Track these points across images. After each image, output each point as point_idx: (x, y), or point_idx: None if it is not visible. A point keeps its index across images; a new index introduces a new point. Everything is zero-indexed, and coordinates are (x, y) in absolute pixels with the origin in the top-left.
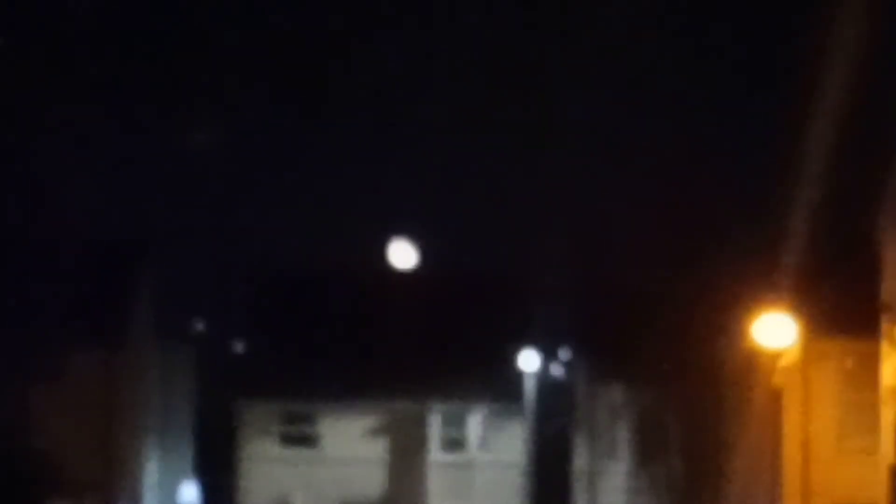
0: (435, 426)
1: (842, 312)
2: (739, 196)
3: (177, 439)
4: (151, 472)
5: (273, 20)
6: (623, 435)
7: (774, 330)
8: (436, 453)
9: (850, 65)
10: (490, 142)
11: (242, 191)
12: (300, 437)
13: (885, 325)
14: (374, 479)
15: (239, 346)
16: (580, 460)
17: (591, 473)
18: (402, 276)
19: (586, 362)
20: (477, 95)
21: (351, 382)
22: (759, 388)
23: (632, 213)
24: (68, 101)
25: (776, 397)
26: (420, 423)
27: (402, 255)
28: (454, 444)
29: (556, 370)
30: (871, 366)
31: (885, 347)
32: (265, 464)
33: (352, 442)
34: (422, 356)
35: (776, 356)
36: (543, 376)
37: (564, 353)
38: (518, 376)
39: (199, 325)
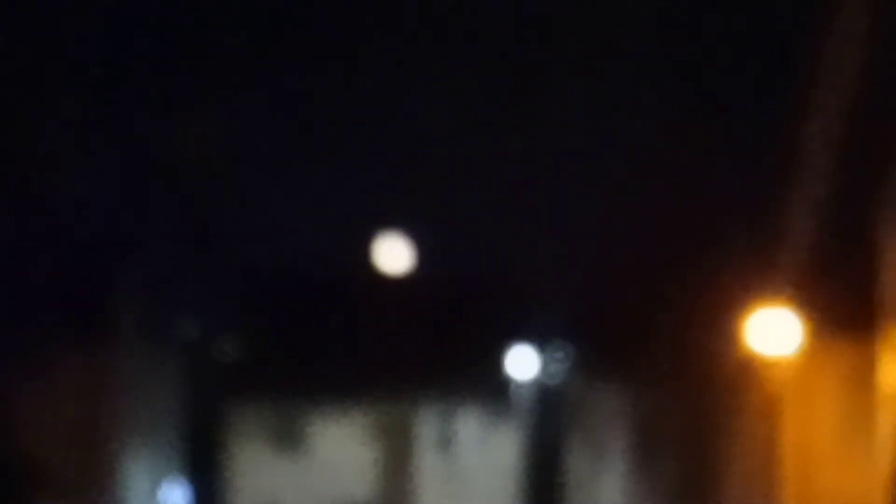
0: (427, 428)
1: (841, 314)
2: (738, 195)
3: (164, 441)
4: (138, 475)
5: (266, 16)
6: (619, 437)
7: (772, 332)
8: (428, 455)
9: (852, 62)
10: (484, 140)
11: (232, 191)
12: (290, 439)
13: (885, 327)
14: (364, 481)
15: (227, 348)
16: (574, 463)
17: (585, 476)
18: (394, 278)
19: (581, 364)
20: (473, 94)
21: (341, 384)
22: (758, 391)
23: (629, 213)
24: (50, 98)
25: (774, 400)
26: (412, 425)
27: (394, 255)
28: (447, 446)
29: (551, 372)
30: (870, 368)
31: (884, 350)
32: (254, 466)
33: (342, 444)
34: (414, 358)
35: (774, 359)
36: (537, 378)
37: (559, 355)
38: (511, 378)
39: (187, 326)
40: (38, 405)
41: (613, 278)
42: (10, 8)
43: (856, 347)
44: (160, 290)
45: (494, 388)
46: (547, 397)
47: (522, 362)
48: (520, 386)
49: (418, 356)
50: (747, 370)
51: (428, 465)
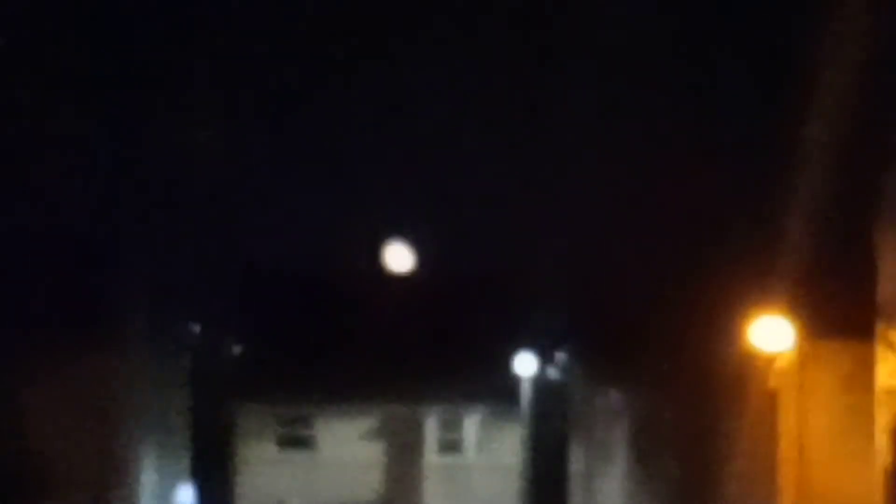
0: (431, 429)
1: (838, 315)
2: (736, 198)
3: (172, 442)
4: (147, 476)
5: (267, 18)
6: (620, 437)
7: (771, 332)
8: (432, 456)
9: (849, 65)
10: (486, 143)
11: (238, 193)
12: (297, 440)
13: (881, 328)
14: (370, 481)
15: (235, 349)
16: (577, 463)
17: (587, 476)
18: (399, 279)
19: (583, 365)
20: (473, 97)
21: (347, 385)
22: (756, 391)
23: (628, 215)
24: (59, 101)
25: (772, 400)
26: (416, 426)
27: (399, 257)
28: (451, 446)
29: (553, 373)
30: (867, 368)
31: (881, 350)
32: (261, 466)
33: (348, 444)
34: (418, 359)
35: (772, 359)
36: (540, 379)
37: (561, 356)
38: (514, 379)
39: (195, 328)
40: (47, 407)
41: (614, 281)
42: (12, 9)
43: (852, 348)
44: (168, 293)
45: (498, 388)
46: (549, 398)
47: (526, 363)
48: (523, 386)
49: (423, 358)
50: (746, 371)
51: (433, 464)
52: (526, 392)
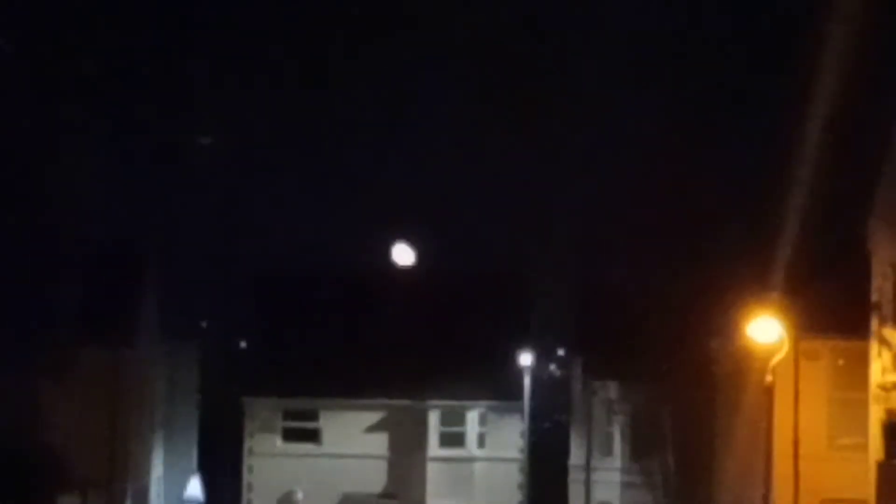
0: (434, 422)
1: (832, 312)
2: (733, 197)
3: (182, 435)
4: (157, 467)
5: (273, 22)
6: (618, 431)
7: (766, 329)
8: (435, 449)
9: (843, 68)
10: (489, 143)
11: (246, 193)
12: (303, 433)
13: (874, 325)
14: (374, 473)
15: (243, 345)
16: (576, 456)
17: (586, 469)
18: (402, 276)
19: (582, 360)
20: (475, 97)
21: (352, 380)
22: (751, 386)
23: (627, 214)
24: (73, 104)
25: (767, 395)
26: (419, 420)
27: (403, 257)
28: (452, 440)
29: (553, 368)
30: (860, 364)
31: (873, 346)
32: (268, 459)
33: (353, 438)
34: (421, 355)
35: (768, 354)
36: (540, 373)
37: (561, 351)
38: (515, 374)
39: (204, 324)
40: (60, 404)
41: (613, 279)
42: (15, 9)
43: (847, 345)
44: (179, 292)
45: (500, 383)
46: (549, 392)
47: (528, 359)
48: (524, 382)
49: (426, 354)
50: (741, 368)
51: (436, 458)
52: (526, 386)
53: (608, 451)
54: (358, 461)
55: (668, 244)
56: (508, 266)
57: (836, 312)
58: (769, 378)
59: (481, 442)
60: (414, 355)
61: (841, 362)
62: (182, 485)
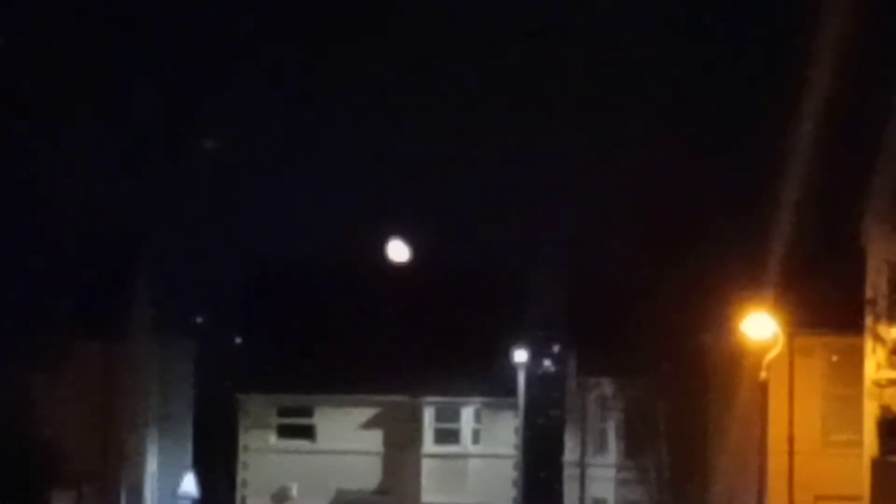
0: (428, 419)
1: (826, 308)
2: (727, 193)
3: (176, 431)
4: (152, 463)
5: (269, 16)
6: (612, 427)
7: (760, 325)
8: (429, 445)
9: (837, 65)
10: (484, 140)
11: (241, 187)
12: (297, 430)
13: (868, 321)
14: (369, 470)
15: (237, 340)
16: (570, 452)
17: (581, 465)
18: (397, 272)
19: (576, 356)
20: (470, 93)
21: (347, 376)
22: (746, 382)
23: (621, 209)
24: (66, 98)
25: (762, 391)
26: (414, 416)
27: (397, 253)
28: (447, 436)
29: (547, 364)
30: (854, 360)
31: (868, 343)
32: (263, 455)
33: (347, 434)
34: (416, 351)
35: (762, 351)
36: (534, 370)
37: (555, 347)
38: (509, 370)
39: (199, 319)
40: (54, 399)
41: (608, 276)
42: (15, 9)
43: (841, 341)
44: (174, 287)
45: (494, 380)
46: (544, 388)
47: (522, 355)
48: (518, 378)
49: (421, 350)
50: (735, 363)
51: (430, 454)
52: (521, 382)
53: (603, 448)
54: (352, 457)
55: (662, 241)
56: (503, 263)
57: (830, 308)
58: (764, 374)
59: (476, 438)
60: (409, 352)
61: (835, 358)
62: (176, 481)
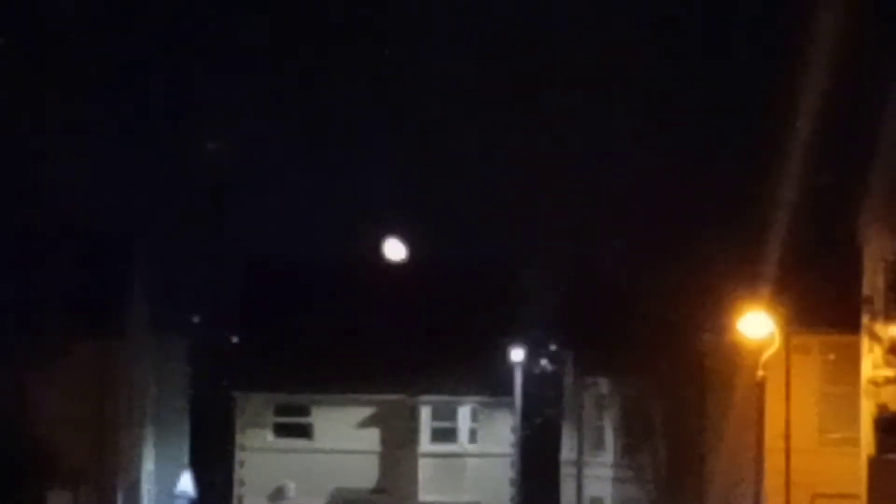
0: (425, 418)
1: (823, 306)
2: (723, 192)
3: (173, 430)
4: (148, 462)
5: (267, 16)
6: (609, 426)
7: (757, 323)
8: (426, 444)
9: (833, 63)
10: (480, 138)
11: (238, 186)
12: (294, 428)
13: (865, 320)
14: (366, 469)
15: (234, 339)
16: (567, 451)
17: (578, 464)
18: (394, 271)
19: (573, 355)
20: (466, 92)
21: (343, 375)
22: (742, 381)
23: (618, 208)
24: (63, 96)
25: (759, 389)
26: (410, 415)
27: (394, 252)
28: (444, 435)
29: (544, 362)
30: (851, 359)
31: (865, 341)
32: (260, 454)
33: (344, 433)
34: (413, 350)
35: (759, 349)
36: (531, 368)
37: (552, 346)
38: (506, 368)
39: (195, 318)
40: (50, 398)
41: (605, 275)
42: (15, 8)
43: (838, 340)
44: (170, 285)
45: (491, 378)
46: (541, 387)
47: (519, 354)
48: (515, 377)
49: (418, 349)
50: (732, 362)
51: (427, 453)
52: (517, 381)
53: (600, 446)
54: (349, 456)
55: (659, 239)
56: (499, 261)
57: (827, 307)
58: (760, 373)
59: (473, 437)
60: (405, 350)
61: (832, 357)
62: (173, 480)
